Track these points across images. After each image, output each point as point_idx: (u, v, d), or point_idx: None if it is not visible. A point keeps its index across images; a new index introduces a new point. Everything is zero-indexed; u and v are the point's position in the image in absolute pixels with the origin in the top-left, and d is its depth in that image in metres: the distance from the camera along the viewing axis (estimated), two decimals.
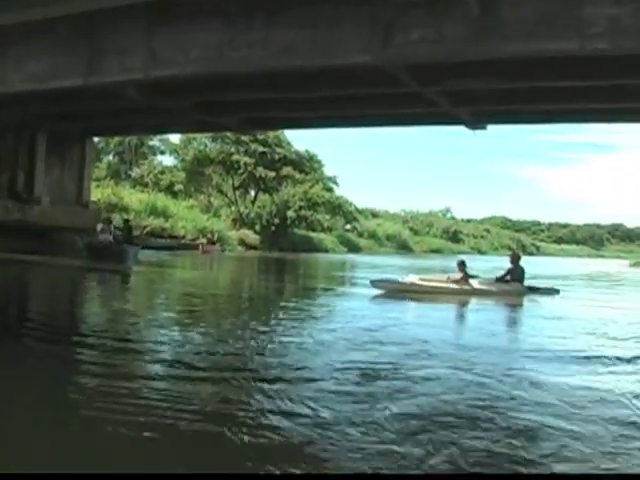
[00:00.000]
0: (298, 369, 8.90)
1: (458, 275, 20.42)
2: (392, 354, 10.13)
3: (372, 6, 13.80)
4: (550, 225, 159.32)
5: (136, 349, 9.86)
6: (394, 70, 15.85)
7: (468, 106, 20.31)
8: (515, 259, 21.86)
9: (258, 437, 5.89)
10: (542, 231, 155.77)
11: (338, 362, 9.27)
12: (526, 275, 22.24)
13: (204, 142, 58.02)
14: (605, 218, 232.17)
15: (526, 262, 23.46)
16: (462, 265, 20.59)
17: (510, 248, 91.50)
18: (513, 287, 20.79)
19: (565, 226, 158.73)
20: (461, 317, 17.76)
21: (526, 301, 19.84)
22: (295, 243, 55.14)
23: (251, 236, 54.60)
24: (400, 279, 20.66)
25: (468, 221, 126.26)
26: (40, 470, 4.63)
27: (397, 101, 20.21)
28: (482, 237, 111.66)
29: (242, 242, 52.43)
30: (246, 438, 5.87)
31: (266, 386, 7.74)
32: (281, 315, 14.91)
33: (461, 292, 19.89)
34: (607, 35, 12.15)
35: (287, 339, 11.48)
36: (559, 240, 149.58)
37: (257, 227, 56.84)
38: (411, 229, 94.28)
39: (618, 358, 10.40)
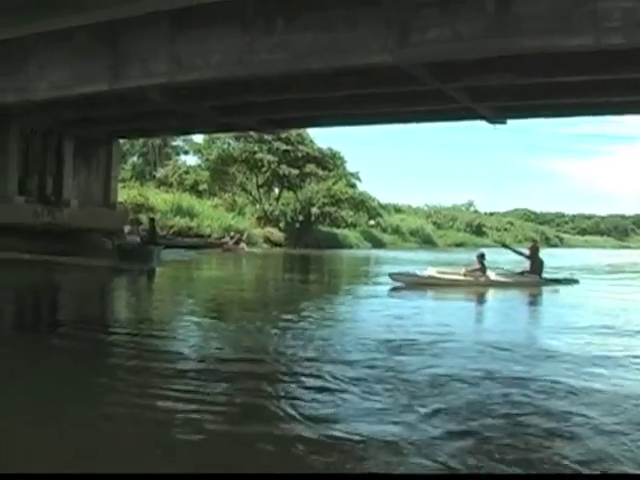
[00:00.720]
0: (331, 349, 9.63)
1: (475, 267, 20.67)
2: (415, 334, 10.89)
3: (387, 7, 14.09)
4: (574, 217, 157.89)
5: (168, 343, 10.18)
6: (412, 69, 16.08)
7: (488, 101, 20.46)
8: (534, 251, 22.08)
9: (296, 400, 6.64)
10: (566, 223, 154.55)
11: (366, 341, 10.08)
12: (550, 266, 22.47)
13: (227, 141, 58.04)
14: (629, 209, 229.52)
15: (548, 254, 23.70)
16: (481, 257, 20.86)
17: (534, 240, 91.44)
18: (530, 278, 21.02)
19: (589, 217, 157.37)
20: (477, 306, 18.08)
21: (544, 291, 20.03)
22: (319, 240, 55.10)
23: (276, 233, 54.73)
24: (418, 272, 20.93)
25: (491, 214, 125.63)
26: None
27: (417, 98, 20.41)
28: (506, 230, 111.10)
29: (267, 239, 52.59)
30: (287, 402, 6.60)
31: (302, 361, 8.58)
32: (310, 306, 15.30)
33: (478, 284, 20.15)
34: (622, 29, 12.35)
35: (317, 326, 12.03)
36: (583, 232, 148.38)
37: (282, 224, 56.94)
38: (434, 223, 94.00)
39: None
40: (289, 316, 13.14)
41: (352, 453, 5.29)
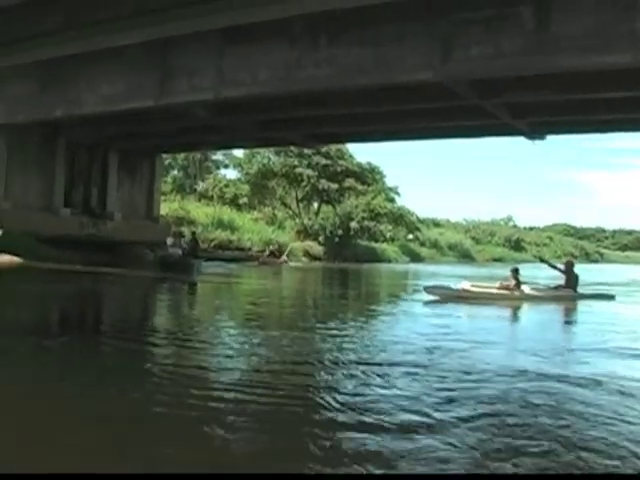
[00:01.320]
0: (382, 351, 10.36)
1: (510, 282, 20.85)
2: (453, 342, 11.47)
3: (431, 24, 14.40)
4: (614, 232, 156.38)
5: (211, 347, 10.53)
6: (454, 85, 16.38)
7: (527, 117, 20.71)
8: (569, 266, 22.22)
9: (351, 398, 7.08)
10: (606, 238, 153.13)
11: (409, 347, 10.73)
12: (591, 282, 22.52)
13: (267, 156, 58.37)
14: None
15: (586, 269, 23.78)
16: (515, 272, 20.99)
17: (573, 255, 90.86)
18: (564, 293, 21.17)
19: (630, 233, 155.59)
20: (512, 318, 18.25)
21: (580, 306, 20.15)
22: (358, 254, 55.12)
23: (315, 247, 54.76)
24: (452, 286, 21.13)
25: (530, 229, 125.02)
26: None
27: (457, 114, 20.70)
28: (545, 245, 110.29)
29: (306, 253, 52.60)
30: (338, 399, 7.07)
31: (358, 365, 8.97)
32: (352, 318, 15.86)
33: (512, 297, 20.33)
34: None
35: (362, 335, 12.38)
36: (624, 247, 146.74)
37: (321, 238, 56.96)
38: (473, 238, 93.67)
39: None
40: (334, 326, 13.48)
41: (394, 437, 5.75)
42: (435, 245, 77.55)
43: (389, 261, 59.31)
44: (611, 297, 22.11)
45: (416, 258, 66.32)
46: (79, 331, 12.27)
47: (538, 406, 6.97)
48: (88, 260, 25.77)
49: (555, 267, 22.90)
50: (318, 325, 13.85)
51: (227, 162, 70.71)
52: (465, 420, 6.37)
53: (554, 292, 21.15)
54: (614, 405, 7.07)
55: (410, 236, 69.48)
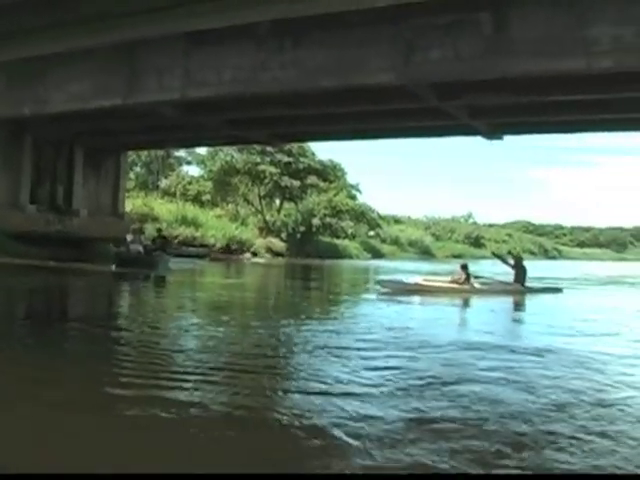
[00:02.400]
0: (347, 333, 11.82)
1: (460, 276, 21.58)
2: (410, 322, 13.53)
3: (394, 28, 14.87)
4: (572, 229, 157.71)
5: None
6: (415, 88, 16.88)
7: (485, 118, 21.28)
8: (518, 261, 23.16)
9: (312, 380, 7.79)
10: (564, 235, 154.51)
11: (372, 326, 12.47)
12: (545, 277, 23.27)
13: (230, 153, 58.38)
14: (628, 221, 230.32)
15: (542, 266, 24.63)
16: (464, 268, 21.88)
17: (532, 252, 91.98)
18: (512, 287, 22.06)
19: (588, 230, 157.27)
20: (459, 309, 19.06)
21: (527, 299, 21.04)
22: (320, 250, 55.36)
23: (277, 243, 54.97)
24: (405, 280, 21.93)
25: (490, 226, 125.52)
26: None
27: (418, 114, 21.20)
28: (504, 242, 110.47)
29: (269, 249, 52.91)
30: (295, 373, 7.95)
31: (317, 350, 9.79)
32: (315, 310, 16.95)
33: (461, 290, 21.14)
34: (611, 53, 13.13)
35: (324, 324, 13.36)
36: (582, 244, 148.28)
37: (283, 235, 57.18)
38: (433, 235, 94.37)
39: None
40: (302, 317, 14.26)
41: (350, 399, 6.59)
42: (396, 242, 78.16)
43: (351, 257, 59.72)
44: (558, 290, 23.12)
45: (377, 254, 66.84)
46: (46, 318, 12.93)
47: (471, 364, 8.86)
48: (54, 256, 26.04)
49: (506, 262, 23.77)
50: (285, 316, 14.54)
51: (190, 159, 70.92)
52: (422, 379, 7.83)
53: (502, 286, 22.01)
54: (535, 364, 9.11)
55: (371, 233, 69.97)
